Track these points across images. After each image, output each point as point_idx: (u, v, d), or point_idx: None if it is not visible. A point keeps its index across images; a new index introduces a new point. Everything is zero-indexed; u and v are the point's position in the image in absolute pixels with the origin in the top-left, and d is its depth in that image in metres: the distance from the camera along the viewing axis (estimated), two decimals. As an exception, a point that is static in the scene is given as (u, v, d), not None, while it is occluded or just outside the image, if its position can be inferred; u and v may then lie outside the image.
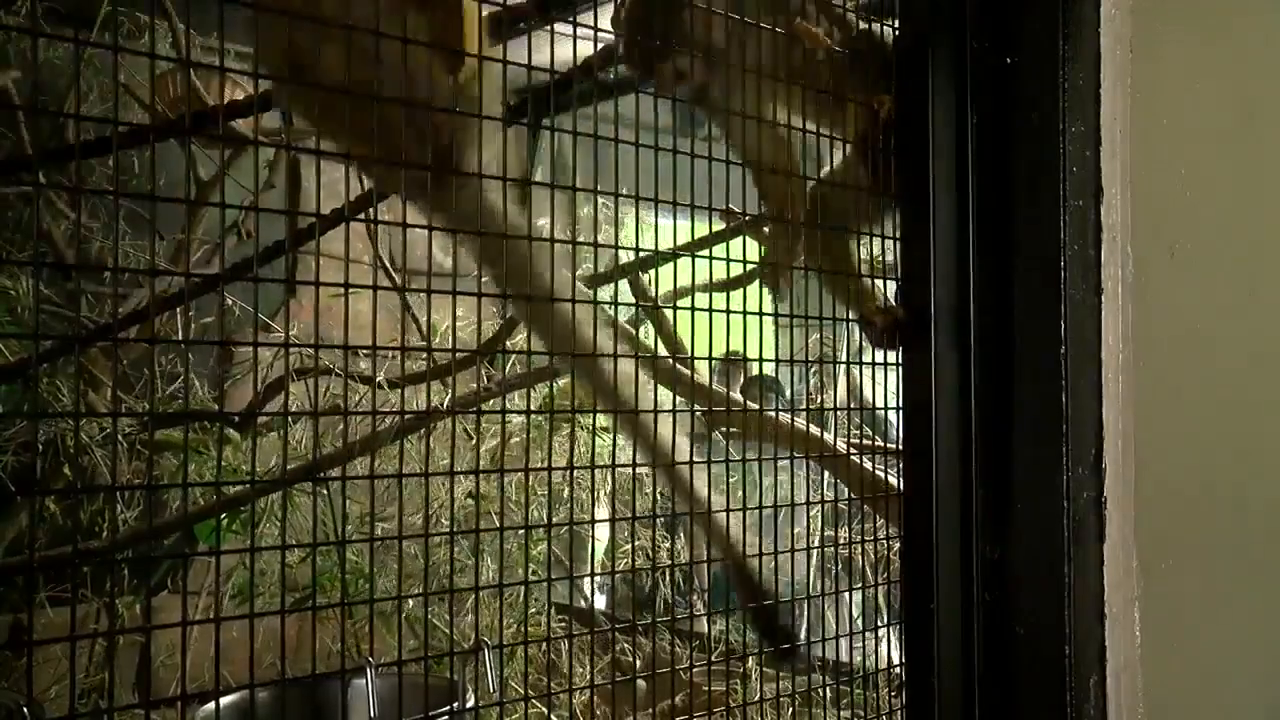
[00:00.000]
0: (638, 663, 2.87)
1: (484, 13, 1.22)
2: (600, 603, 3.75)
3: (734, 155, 1.30)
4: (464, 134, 1.16)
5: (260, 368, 3.04)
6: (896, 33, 1.33)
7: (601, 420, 3.12)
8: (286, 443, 2.70)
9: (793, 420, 1.92)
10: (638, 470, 1.33)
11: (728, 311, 1.54)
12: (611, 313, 2.00)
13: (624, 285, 2.33)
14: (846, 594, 1.63)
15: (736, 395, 2.49)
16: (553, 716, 2.75)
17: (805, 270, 1.45)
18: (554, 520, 2.41)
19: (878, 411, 1.64)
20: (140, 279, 3.16)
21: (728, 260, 1.34)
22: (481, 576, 2.62)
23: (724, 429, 2.12)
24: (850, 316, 1.44)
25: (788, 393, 3.08)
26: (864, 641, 1.55)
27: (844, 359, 1.60)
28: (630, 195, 1.19)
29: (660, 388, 2.03)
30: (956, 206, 1.27)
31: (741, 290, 1.91)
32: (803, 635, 1.44)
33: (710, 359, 1.40)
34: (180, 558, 2.74)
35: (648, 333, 2.41)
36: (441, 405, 2.56)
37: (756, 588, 1.37)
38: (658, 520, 2.85)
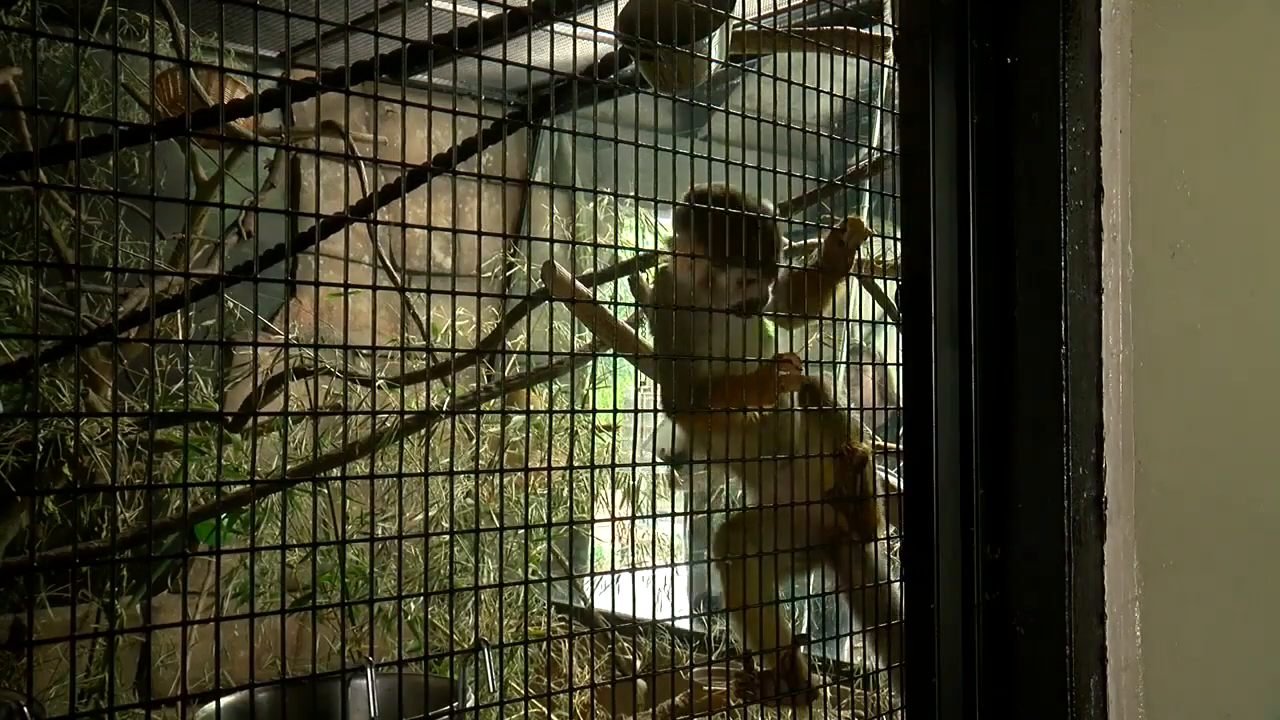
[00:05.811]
0: (638, 663, 2.86)
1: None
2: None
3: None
4: None
5: (260, 369, 3.04)
6: (897, 33, 1.33)
7: (601, 420, 3.12)
8: (287, 443, 2.70)
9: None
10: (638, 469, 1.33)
11: (727, 311, 1.54)
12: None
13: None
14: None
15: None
16: (553, 716, 2.74)
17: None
18: (554, 520, 2.41)
19: (879, 411, 1.64)
20: (140, 279, 3.16)
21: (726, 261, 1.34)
22: (481, 576, 2.62)
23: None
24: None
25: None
26: (863, 640, 1.55)
27: (843, 359, 1.60)
28: (630, 195, 1.19)
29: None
30: (957, 206, 1.27)
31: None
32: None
33: (709, 358, 1.40)
34: (180, 558, 2.74)
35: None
36: (441, 405, 2.56)
37: None
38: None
